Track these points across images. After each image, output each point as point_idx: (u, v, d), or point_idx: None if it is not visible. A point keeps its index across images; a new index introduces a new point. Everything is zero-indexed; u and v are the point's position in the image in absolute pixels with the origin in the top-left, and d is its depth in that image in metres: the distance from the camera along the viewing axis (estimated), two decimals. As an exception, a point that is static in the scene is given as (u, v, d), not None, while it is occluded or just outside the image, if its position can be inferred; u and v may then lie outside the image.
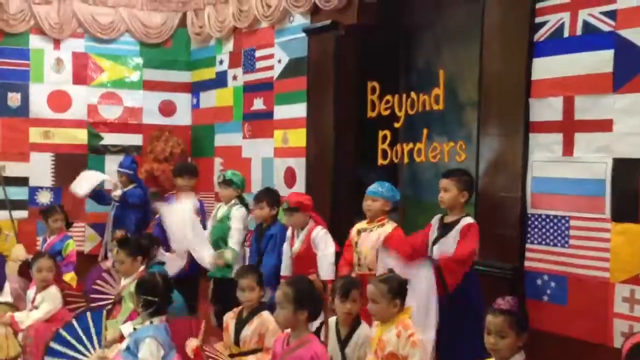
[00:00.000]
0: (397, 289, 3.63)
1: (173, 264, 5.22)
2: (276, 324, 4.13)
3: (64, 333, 3.25)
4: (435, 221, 4.41)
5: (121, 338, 4.18)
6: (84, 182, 7.01)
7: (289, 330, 3.50)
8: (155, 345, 3.70)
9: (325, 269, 4.78)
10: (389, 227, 4.68)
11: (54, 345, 3.17)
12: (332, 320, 4.03)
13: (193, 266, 5.62)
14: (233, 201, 5.79)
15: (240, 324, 4.33)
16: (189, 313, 5.13)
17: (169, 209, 5.44)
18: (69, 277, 5.52)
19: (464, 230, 4.18)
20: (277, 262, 5.19)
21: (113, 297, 5.04)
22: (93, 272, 5.39)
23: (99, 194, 7.13)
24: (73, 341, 3.22)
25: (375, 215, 4.73)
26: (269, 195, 5.36)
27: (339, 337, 3.96)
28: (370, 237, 4.68)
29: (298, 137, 6.55)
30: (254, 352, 4.27)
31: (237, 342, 4.33)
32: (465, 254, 4.10)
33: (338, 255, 4.92)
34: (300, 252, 4.96)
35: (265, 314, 4.31)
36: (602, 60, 4.06)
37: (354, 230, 4.82)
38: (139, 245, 4.97)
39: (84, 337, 3.16)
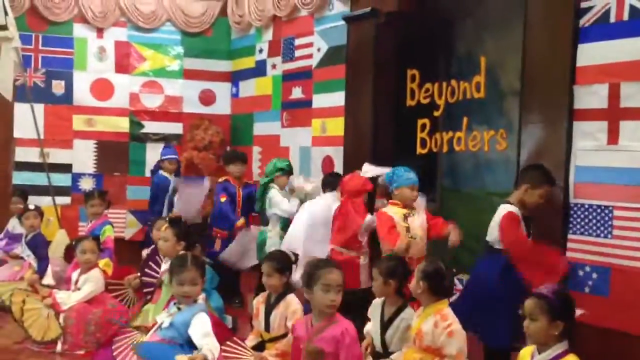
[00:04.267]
0: None
1: None
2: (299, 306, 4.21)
3: None
4: None
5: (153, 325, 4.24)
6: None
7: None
8: (207, 317, 3.79)
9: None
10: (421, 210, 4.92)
11: None
12: (377, 301, 4.05)
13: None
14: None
15: (269, 309, 4.34)
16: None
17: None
18: (103, 263, 5.60)
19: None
20: None
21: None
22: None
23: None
24: None
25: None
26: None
27: (382, 318, 3.96)
28: (415, 220, 4.82)
29: (336, 126, 6.52)
30: (283, 336, 4.26)
31: (267, 327, 4.35)
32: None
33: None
34: None
35: (290, 297, 4.31)
36: (649, 46, 3.95)
37: (397, 217, 4.78)
38: (187, 232, 5.06)
39: None
